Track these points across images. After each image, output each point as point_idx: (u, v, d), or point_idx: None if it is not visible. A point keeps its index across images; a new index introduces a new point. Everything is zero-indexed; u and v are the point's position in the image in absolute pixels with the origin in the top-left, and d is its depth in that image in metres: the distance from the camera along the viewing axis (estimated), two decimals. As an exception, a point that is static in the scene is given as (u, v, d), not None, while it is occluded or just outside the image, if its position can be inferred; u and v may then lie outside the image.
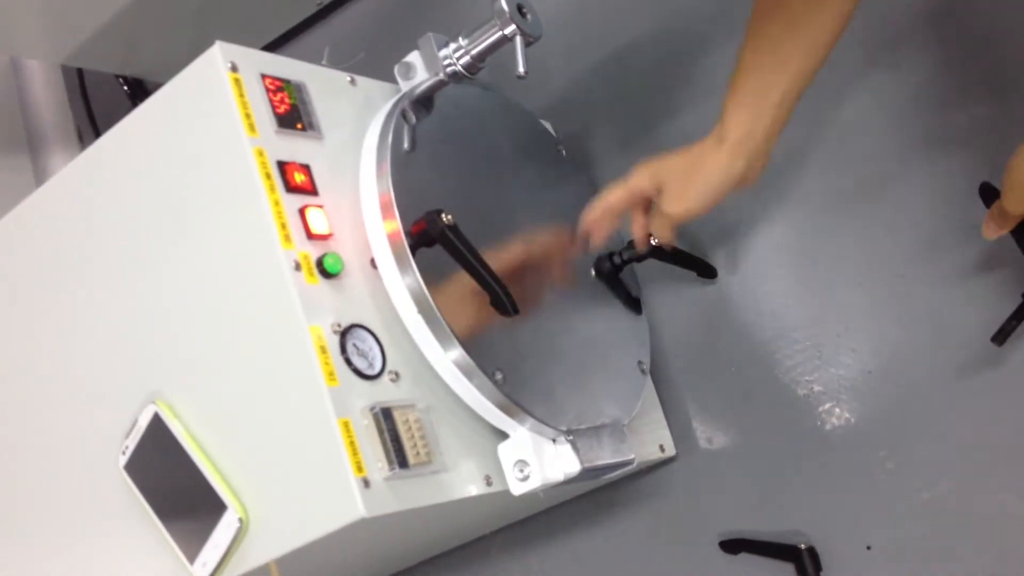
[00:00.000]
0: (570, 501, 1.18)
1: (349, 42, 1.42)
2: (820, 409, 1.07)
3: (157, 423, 0.87)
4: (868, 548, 1.03)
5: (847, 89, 1.09)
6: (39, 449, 0.97)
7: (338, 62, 1.43)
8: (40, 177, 1.69)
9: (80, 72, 1.62)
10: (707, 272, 1.13)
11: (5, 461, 1.00)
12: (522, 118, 1.10)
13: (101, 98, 1.66)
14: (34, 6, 1.30)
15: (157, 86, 1.57)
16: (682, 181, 0.96)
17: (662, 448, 1.11)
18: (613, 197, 0.99)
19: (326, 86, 0.93)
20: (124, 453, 0.89)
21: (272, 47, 1.48)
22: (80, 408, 0.94)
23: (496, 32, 0.93)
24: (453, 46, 0.96)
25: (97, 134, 1.64)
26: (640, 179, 0.98)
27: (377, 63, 1.01)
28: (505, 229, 0.98)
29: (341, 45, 1.42)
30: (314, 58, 1.44)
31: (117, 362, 0.91)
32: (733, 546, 1.10)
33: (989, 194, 0.91)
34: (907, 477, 1.02)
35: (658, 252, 1.05)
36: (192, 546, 0.84)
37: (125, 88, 1.55)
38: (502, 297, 0.85)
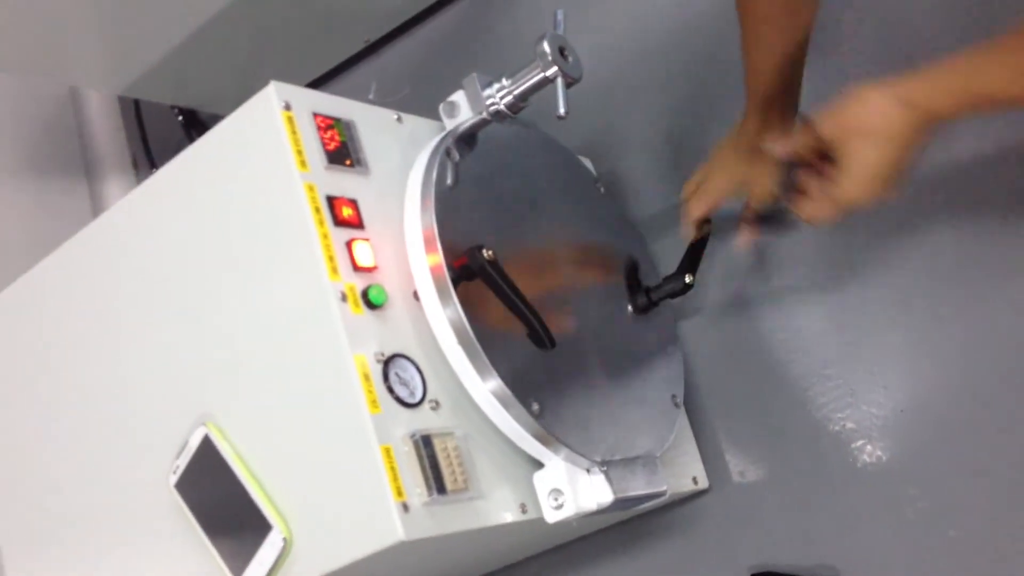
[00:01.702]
0: (603, 530, 1.20)
1: (395, 77, 1.46)
2: (852, 446, 1.09)
3: (207, 444, 0.90)
4: (897, 584, 1.05)
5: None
6: (94, 466, 1.01)
7: (384, 96, 1.48)
8: (96, 202, 1.74)
9: (136, 102, 1.67)
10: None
11: (62, 476, 1.04)
12: (562, 155, 1.13)
13: (156, 127, 1.71)
14: (97, 41, 1.36)
15: (210, 116, 1.64)
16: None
17: (695, 480, 1.13)
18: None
19: (374, 123, 0.97)
20: (175, 472, 0.92)
21: (321, 81, 1.53)
22: (134, 429, 0.98)
23: (538, 73, 0.96)
24: (496, 86, 0.99)
25: (151, 161, 1.70)
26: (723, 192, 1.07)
27: (422, 97, 1.04)
28: (544, 264, 1.01)
29: (387, 80, 1.48)
30: (361, 92, 1.49)
31: (170, 386, 0.95)
32: (763, 579, 1.11)
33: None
34: (936, 515, 1.03)
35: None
36: (238, 563, 0.87)
37: (180, 118, 1.61)
38: (539, 331, 0.88)
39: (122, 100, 1.79)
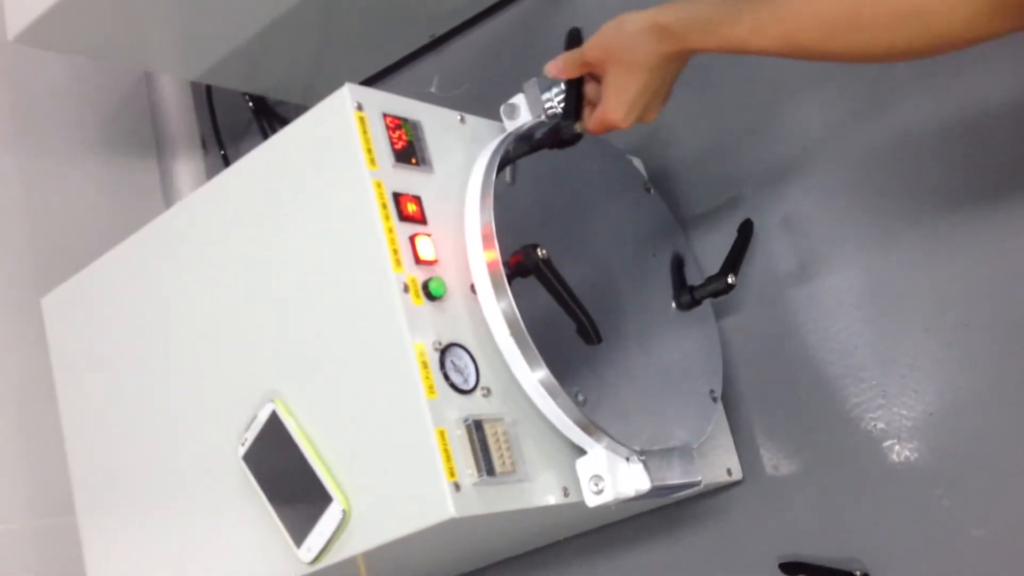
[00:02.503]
0: (639, 515, 1.26)
1: (457, 73, 1.51)
2: (882, 445, 1.13)
3: (274, 420, 0.97)
4: (920, 579, 1.10)
5: (926, 134, 1.15)
6: (168, 438, 1.09)
7: (446, 91, 1.54)
8: (165, 179, 1.82)
9: (208, 87, 1.74)
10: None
11: (139, 448, 1.12)
12: (613, 156, 1.18)
13: (225, 111, 1.78)
14: (174, 30, 1.42)
15: (277, 102, 1.70)
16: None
17: (729, 472, 1.18)
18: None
19: (439, 123, 1.03)
20: (243, 444, 0.99)
21: (385, 72, 1.58)
22: (206, 404, 1.05)
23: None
24: (555, 90, 1.04)
25: (220, 143, 1.76)
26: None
27: (483, 93, 1.10)
28: (593, 261, 1.07)
29: (450, 75, 1.53)
30: (424, 85, 1.55)
31: (241, 365, 1.02)
32: (792, 568, 1.16)
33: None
34: (961, 514, 1.08)
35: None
36: (299, 532, 0.94)
37: (250, 104, 1.67)
38: (588, 327, 0.94)
39: (194, 84, 1.86)
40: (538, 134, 1.03)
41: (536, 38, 1.47)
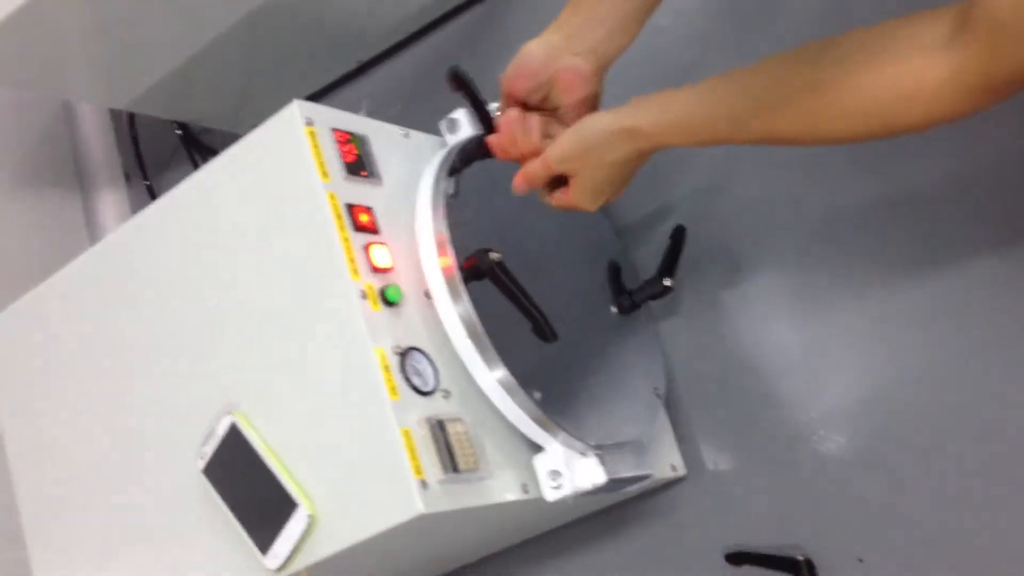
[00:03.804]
0: (585, 518, 1.29)
1: (386, 96, 1.54)
2: (817, 434, 1.18)
3: (233, 431, 0.98)
4: (860, 560, 1.14)
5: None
6: (124, 459, 1.09)
7: (375, 114, 1.56)
8: (89, 215, 1.80)
9: (131, 117, 1.74)
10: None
11: (92, 472, 1.11)
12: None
13: (148, 140, 1.78)
14: (101, 58, 1.42)
15: (203, 131, 1.71)
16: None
17: (673, 468, 1.22)
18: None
19: (384, 138, 1.06)
20: (203, 459, 1.00)
21: (314, 98, 1.60)
22: (161, 422, 1.05)
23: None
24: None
25: (144, 174, 1.76)
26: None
27: (411, 114, 1.12)
28: (535, 270, 1.10)
29: (378, 98, 1.56)
30: (353, 110, 1.57)
31: (196, 380, 1.03)
32: (737, 559, 1.20)
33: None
34: (896, 496, 1.13)
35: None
36: (265, 539, 0.95)
37: (178, 132, 1.67)
38: (543, 325, 0.97)
39: (114, 116, 1.85)
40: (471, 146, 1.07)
41: (463, 60, 1.49)
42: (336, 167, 0.98)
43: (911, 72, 0.78)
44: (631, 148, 0.93)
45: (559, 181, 0.99)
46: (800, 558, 1.16)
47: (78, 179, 1.82)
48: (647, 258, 1.27)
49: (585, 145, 0.94)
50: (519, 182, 1.00)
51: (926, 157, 1.14)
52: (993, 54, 0.73)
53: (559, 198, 1.00)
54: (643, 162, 0.97)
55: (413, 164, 1.07)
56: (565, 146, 0.95)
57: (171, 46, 1.42)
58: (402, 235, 1.00)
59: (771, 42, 1.22)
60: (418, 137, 1.11)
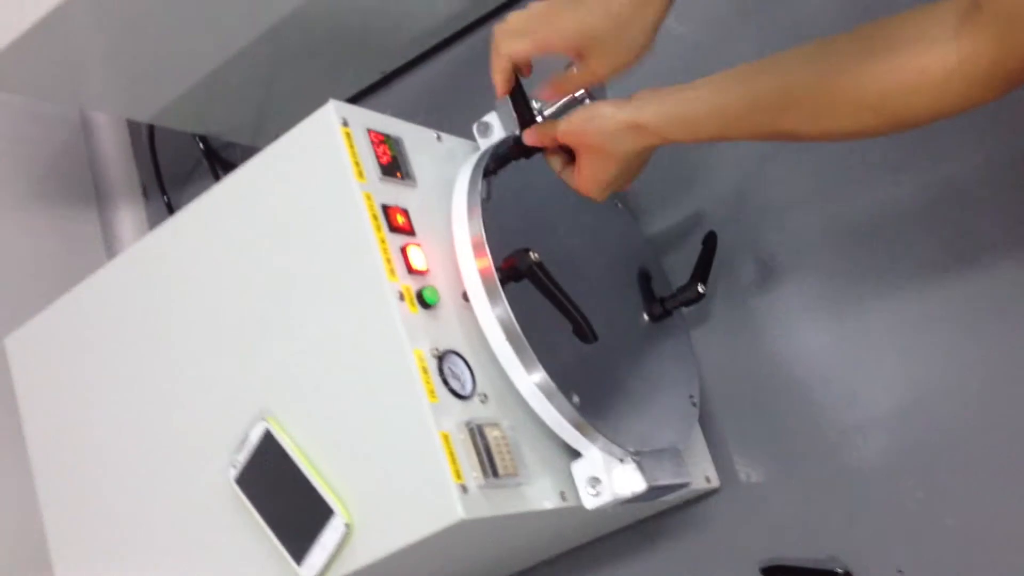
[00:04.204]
0: (618, 531, 1.27)
1: (409, 106, 1.54)
2: (854, 443, 1.16)
3: (267, 438, 0.96)
4: (900, 572, 1.12)
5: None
6: (154, 470, 1.07)
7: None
8: (106, 229, 1.79)
9: (151, 131, 1.73)
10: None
11: (125, 476, 1.09)
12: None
13: (167, 154, 1.77)
14: (125, 70, 1.41)
15: (225, 145, 1.70)
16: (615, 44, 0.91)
17: (708, 479, 1.20)
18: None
19: (418, 141, 1.04)
20: (235, 467, 0.98)
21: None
22: (191, 431, 1.03)
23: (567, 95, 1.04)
24: (536, 104, 1.07)
25: (163, 190, 1.75)
26: (568, 40, 0.91)
27: (434, 124, 1.11)
28: (567, 275, 1.08)
29: (402, 109, 1.55)
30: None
31: (228, 386, 1.01)
32: (773, 572, 1.18)
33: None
34: (935, 505, 1.11)
35: None
36: (299, 549, 0.93)
37: (201, 146, 1.66)
38: (584, 325, 0.96)
39: (133, 128, 1.84)
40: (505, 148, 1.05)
41: (484, 71, 1.50)
42: (371, 168, 0.96)
43: (918, 62, 0.77)
44: (636, 143, 0.93)
45: (570, 156, 0.98)
46: (839, 571, 1.14)
47: (95, 193, 1.81)
48: (677, 265, 1.25)
49: (592, 124, 0.94)
50: (529, 133, 0.99)
51: (961, 155, 1.13)
52: (1001, 43, 0.73)
53: (567, 175, 1.00)
54: (650, 155, 0.97)
55: (446, 167, 1.06)
56: (573, 121, 0.95)
57: (194, 59, 1.41)
58: (438, 237, 0.98)
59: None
60: (450, 140, 1.10)
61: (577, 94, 1.01)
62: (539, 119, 0.99)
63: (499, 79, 0.95)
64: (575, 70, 0.93)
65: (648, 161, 0.99)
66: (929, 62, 0.76)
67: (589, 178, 0.97)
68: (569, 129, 0.95)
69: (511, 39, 0.92)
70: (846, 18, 1.20)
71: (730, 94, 0.87)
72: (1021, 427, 1.08)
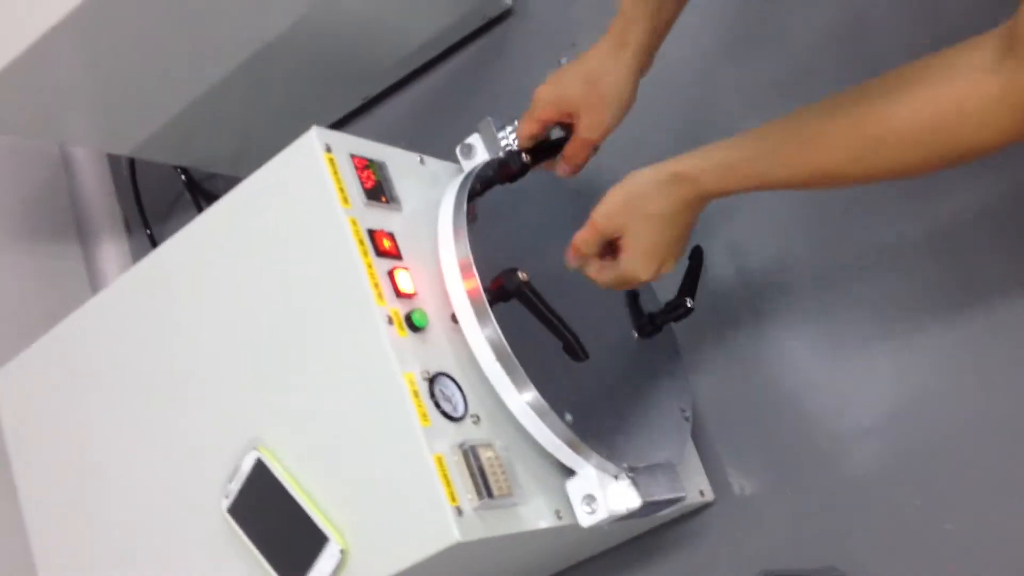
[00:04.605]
0: (614, 548, 1.26)
1: (391, 131, 1.54)
2: (846, 452, 1.16)
3: (259, 467, 0.95)
4: (899, 580, 1.12)
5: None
6: (144, 503, 1.06)
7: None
8: (90, 264, 1.78)
9: (132, 162, 1.72)
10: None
11: (116, 510, 1.08)
12: (564, 192, 1.21)
13: (149, 188, 1.76)
14: (104, 105, 1.41)
15: (207, 176, 1.70)
16: (594, 104, 0.98)
17: (702, 493, 1.20)
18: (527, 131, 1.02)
19: (401, 164, 1.04)
20: (227, 497, 0.97)
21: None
22: (182, 463, 1.03)
23: (548, 116, 1.05)
24: (509, 128, 1.08)
25: (145, 222, 1.74)
26: (546, 112, 1.01)
27: (417, 149, 1.11)
28: (556, 286, 1.09)
29: (384, 134, 1.55)
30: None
31: (217, 418, 1.00)
32: (771, 583, 1.18)
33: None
34: (933, 511, 1.11)
35: None
36: (295, 578, 0.92)
37: (183, 178, 1.66)
38: (574, 344, 0.95)
39: (114, 163, 1.84)
40: (490, 171, 1.06)
41: (466, 93, 1.51)
42: (356, 193, 0.96)
43: (955, 93, 0.76)
44: (677, 195, 0.91)
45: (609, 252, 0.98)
46: (838, 579, 1.14)
47: (78, 229, 1.80)
48: (664, 280, 1.25)
49: (629, 195, 0.93)
50: (570, 255, 0.99)
51: (952, 190, 1.13)
52: None
53: (610, 269, 0.98)
54: (691, 219, 0.95)
55: (430, 190, 1.06)
56: (609, 200, 0.94)
57: (174, 90, 1.41)
58: (425, 260, 0.98)
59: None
60: (433, 163, 1.10)
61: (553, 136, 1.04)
62: (509, 148, 1.04)
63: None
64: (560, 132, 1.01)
65: (691, 230, 0.96)
66: (968, 92, 0.76)
67: (631, 251, 0.95)
68: (609, 211, 0.94)
69: (528, 119, 1.03)
70: (833, 48, 1.21)
71: (770, 137, 0.87)
72: (1017, 430, 1.09)
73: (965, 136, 0.77)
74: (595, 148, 1.04)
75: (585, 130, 1.00)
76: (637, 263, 0.96)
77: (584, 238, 0.97)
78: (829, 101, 0.84)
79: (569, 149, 1.03)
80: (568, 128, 1.03)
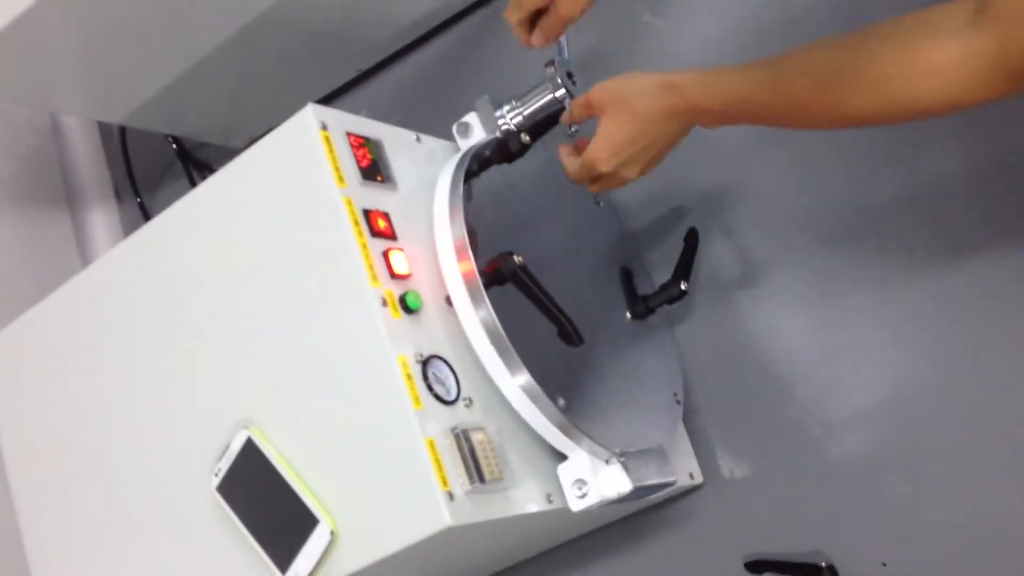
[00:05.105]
0: (603, 528, 1.27)
1: (385, 104, 1.52)
2: (836, 438, 1.17)
3: (249, 447, 0.95)
4: (884, 565, 1.12)
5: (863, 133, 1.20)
6: (135, 471, 1.05)
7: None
8: (79, 232, 1.77)
9: (123, 131, 1.70)
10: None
11: (104, 485, 1.07)
12: (561, 175, 1.20)
13: (139, 156, 1.75)
14: (96, 72, 1.39)
15: (198, 145, 1.68)
16: None
17: (691, 476, 1.20)
18: None
19: (397, 143, 1.03)
20: (217, 475, 0.97)
21: (312, 108, 1.58)
22: (172, 439, 1.02)
23: (547, 95, 1.04)
24: (507, 107, 1.07)
25: (136, 192, 1.73)
26: None
27: (409, 123, 1.10)
28: (549, 276, 1.08)
29: (377, 107, 1.54)
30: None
31: (208, 395, 1.00)
32: (757, 567, 1.18)
33: None
34: (918, 499, 1.11)
35: None
36: (283, 558, 0.92)
37: (174, 147, 1.64)
38: (569, 328, 0.95)
39: (104, 130, 1.82)
40: (488, 151, 1.05)
41: (461, 68, 1.49)
42: (352, 172, 0.95)
43: (927, 51, 0.79)
44: (664, 101, 0.94)
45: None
46: (823, 564, 1.14)
47: (67, 197, 1.78)
48: (660, 262, 1.25)
49: (624, 87, 0.96)
50: (566, 113, 1.03)
51: (946, 152, 1.13)
52: (1007, 40, 0.74)
53: (578, 161, 1.01)
54: (670, 133, 0.97)
55: (426, 169, 1.05)
56: (605, 83, 0.97)
57: (166, 60, 1.39)
58: (419, 241, 0.98)
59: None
60: (430, 141, 1.09)
61: (558, 94, 1.03)
62: (506, 127, 1.04)
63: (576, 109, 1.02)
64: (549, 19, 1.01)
65: (667, 149, 0.99)
66: (936, 52, 0.78)
67: (606, 140, 0.97)
68: (601, 86, 0.98)
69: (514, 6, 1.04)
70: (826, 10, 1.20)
71: (760, 69, 0.90)
72: (1006, 420, 1.09)
73: (928, 93, 0.79)
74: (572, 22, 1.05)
75: (564, 7, 1.02)
76: (602, 152, 0.98)
77: (575, 100, 1.01)
78: (820, 40, 0.87)
79: (547, 23, 1.04)
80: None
